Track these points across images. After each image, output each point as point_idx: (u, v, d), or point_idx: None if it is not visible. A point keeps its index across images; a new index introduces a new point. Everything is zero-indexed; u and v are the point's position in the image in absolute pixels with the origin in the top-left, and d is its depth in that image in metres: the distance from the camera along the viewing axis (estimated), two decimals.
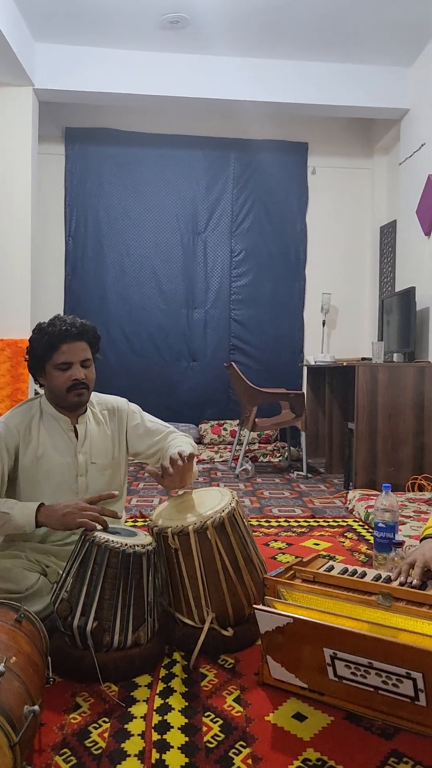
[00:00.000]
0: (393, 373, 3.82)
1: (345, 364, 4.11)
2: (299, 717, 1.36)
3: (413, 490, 3.72)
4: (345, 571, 1.56)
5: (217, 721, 1.35)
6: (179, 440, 1.99)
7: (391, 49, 4.59)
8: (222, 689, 1.48)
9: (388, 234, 5.48)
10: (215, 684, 1.51)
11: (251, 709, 1.40)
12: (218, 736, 1.30)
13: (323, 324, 5.68)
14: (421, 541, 1.65)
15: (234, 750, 1.25)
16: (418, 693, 1.25)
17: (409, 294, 4.30)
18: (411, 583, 1.50)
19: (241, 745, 1.26)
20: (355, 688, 1.33)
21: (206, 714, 1.38)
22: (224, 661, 1.62)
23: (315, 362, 4.92)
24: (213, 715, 1.37)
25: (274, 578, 1.48)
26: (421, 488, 3.73)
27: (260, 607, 1.41)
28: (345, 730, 1.32)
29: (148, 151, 5.56)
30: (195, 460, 1.80)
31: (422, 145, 4.59)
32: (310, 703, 1.41)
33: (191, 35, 4.42)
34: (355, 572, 1.55)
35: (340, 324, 5.81)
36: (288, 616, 1.36)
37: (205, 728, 1.32)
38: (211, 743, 1.27)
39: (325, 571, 1.57)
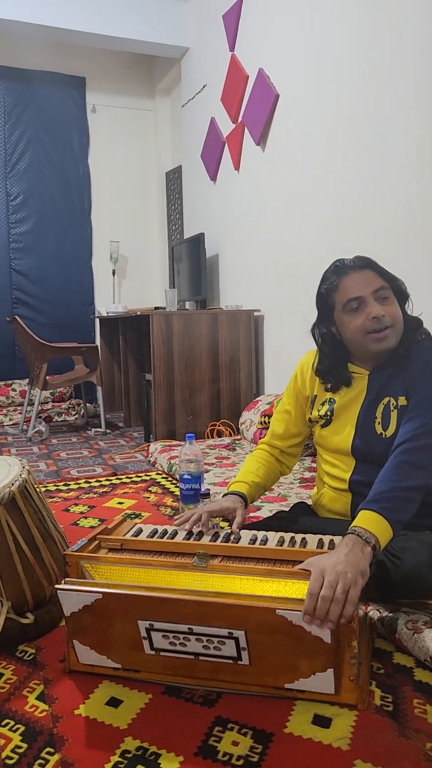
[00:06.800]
0: (187, 321, 3.75)
1: (138, 313, 3.95)
2: (114, 702, 1.21)
3: (213, 437, 3.75)
4: (155, 533, 1.43)
5: (18, 729, 1.15)
6: None
7: None
8: (23, 687, 1.28)
9: (174, 179, 5.36)
10: (13, 683, 1.29)
11: (58, 705, 1.22)
12: (20, 747, 1.10)
13: (113, 273, 5.45)
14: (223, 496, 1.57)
15: (40, 760, 1.06)
16: (240, 652, 1.17)
17: (199, 241, 4.25)
18: (229, 534, 1.42)
19: (48, 753, 1.08)
20: (175, 658, 1.22)
21: (3, 723, 1.16)
22: (23, 653, 1.41)
23: (107, 313, 4.69)
24: (12, 722, 1.16)
25: (77, 553, 1.30)
26: (219, 434, 3.76)
27: (63, 586, 1.22)
28: (165, 706, 1.20)
29: None
30: None
31: (204, 87, 4.49)
32: (125, 683, 1.27)
33: None
34: (165, 533, 1.42)
35: (130, 273, 5.63)
36: (96, 592, 1.19)
37: (3, 741, 1.11)
38: (11, 758, 1.07)
39: (133, 536, 1.42)
